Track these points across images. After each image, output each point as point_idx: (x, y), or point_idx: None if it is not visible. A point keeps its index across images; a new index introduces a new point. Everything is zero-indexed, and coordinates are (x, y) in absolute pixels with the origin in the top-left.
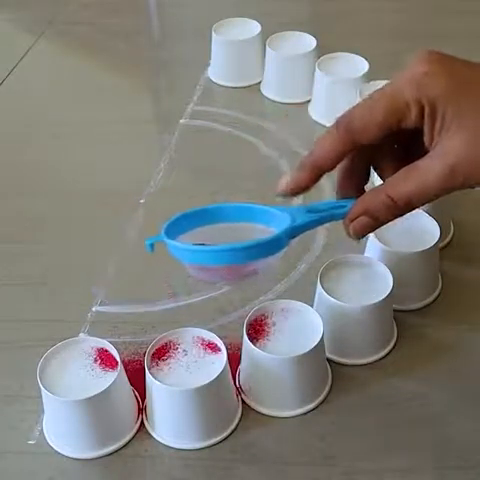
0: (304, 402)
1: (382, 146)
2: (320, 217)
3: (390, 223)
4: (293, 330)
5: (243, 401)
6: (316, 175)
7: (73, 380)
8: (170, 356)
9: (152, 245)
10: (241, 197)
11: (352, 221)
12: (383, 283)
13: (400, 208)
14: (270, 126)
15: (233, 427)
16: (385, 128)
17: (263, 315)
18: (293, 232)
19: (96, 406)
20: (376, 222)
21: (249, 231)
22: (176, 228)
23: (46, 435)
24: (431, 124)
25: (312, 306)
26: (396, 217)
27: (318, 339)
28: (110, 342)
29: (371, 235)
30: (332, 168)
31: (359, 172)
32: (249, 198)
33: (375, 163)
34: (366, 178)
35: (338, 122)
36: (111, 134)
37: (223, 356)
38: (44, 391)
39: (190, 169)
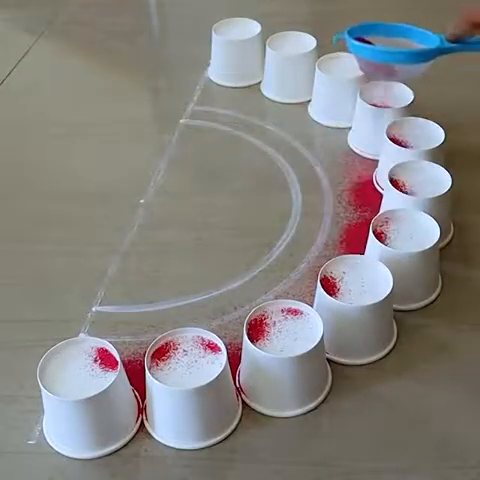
0: (304, 402)
1: None
2: (464, 46)
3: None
4: (293, 330)
5: (243, 401)
6: (470, 25)
7: (73, 380)
8: (170, 356)
9: (338, 39)
10: (241, 196)
11: None
12: (383, 283)
13: None
14: (270, 126)
15: (233, 427)
16: None
17: (263, 315)
18: (441, 51)
19: (96, 406)
20: None
21: (406, 45)
22: (353, 32)
23: (46, 435)
24: None
25: (312, 306)
26: None
27: (318, 339)
28: (110, 342)
29: (371, 235)
30: None
31: None
32: (249, 198)
33: None
34: None
35: None
36: (111, 134)
37: (223, 356)
38: (44, 391)
39: (190, 169)
